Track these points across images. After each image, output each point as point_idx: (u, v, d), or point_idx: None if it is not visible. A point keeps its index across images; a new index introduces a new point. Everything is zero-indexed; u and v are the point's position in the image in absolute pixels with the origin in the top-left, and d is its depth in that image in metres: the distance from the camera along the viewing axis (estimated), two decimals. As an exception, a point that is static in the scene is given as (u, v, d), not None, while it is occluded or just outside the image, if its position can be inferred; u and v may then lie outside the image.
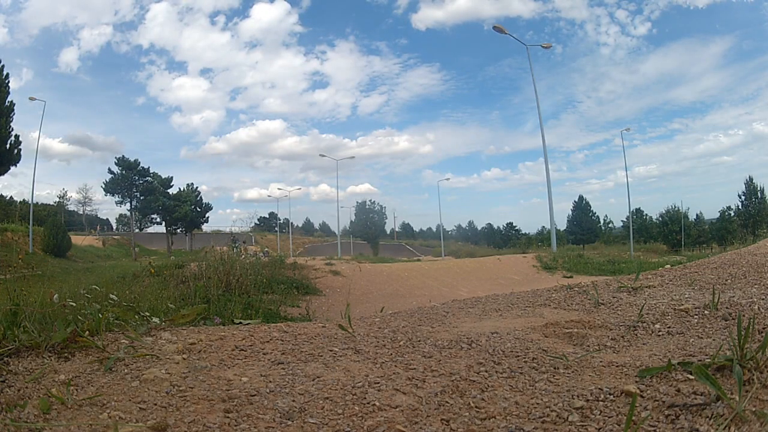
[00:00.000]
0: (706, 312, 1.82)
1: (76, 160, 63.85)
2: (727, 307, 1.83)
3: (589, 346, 1.59)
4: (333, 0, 68.23)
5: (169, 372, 1.34)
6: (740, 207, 36.57)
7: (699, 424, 0.91)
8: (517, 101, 68.65)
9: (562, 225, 41.82)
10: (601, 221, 43.36)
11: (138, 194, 34.33)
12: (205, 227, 39.41)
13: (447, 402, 1.14)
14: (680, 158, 68.09)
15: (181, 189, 37.60)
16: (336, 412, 1.11)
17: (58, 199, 48.48)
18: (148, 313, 2.01)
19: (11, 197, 36.01)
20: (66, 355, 1.48)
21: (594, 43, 60.32)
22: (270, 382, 1.29)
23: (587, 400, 1.07)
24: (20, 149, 21.68)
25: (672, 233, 37.21)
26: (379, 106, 70.72)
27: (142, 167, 34.33)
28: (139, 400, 1.15)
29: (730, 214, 37.26)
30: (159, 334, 1.77)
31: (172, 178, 36.86)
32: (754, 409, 0.92)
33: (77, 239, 30.83)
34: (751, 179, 36.37)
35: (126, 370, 1.35)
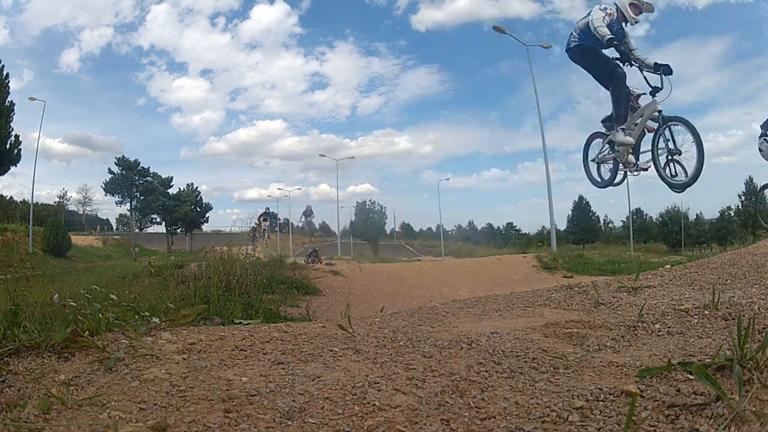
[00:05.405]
0: (706, 312, 1.82)
1: (76, 160, 63.43)
2: (727, 307, 1.83)
3: (589, 346, 1.59)
4: (332, 1, 68.03)
5: (169, 372, 1.34)
6: (740, 207, 36.55)
7: (699, 424, 0.91)
8: (516, 102, 68.20)
9: (562, 225, 41.69)
10: (601, 221, 43.34)
11: (138, 194, 34.29)
12: (205, 227, 39.29)
13: (447, 402, 1.14)
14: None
15: (181, 189, 37.53)
16: (336, 412, 1.11)
17: (58, 199, 48.32)
18: (148, 313, 2.01)
19: (11, 197, 35.94)
20: (66, 355, 1.48)
21: (593, 43, 60.02)
22: (270, 382, 1.29)
23: (587, 400, 1.08)
24: (20, 149, 21.72)
25: (672, 233, 37.14)
26: (379, 106, 70.47)
27: (142, 167, 34.31)
28: (139, 400, 1.15)
29: (730, 214, 37.26)
30: (159, 334, 1.77)
31: (172, 178, 36.83)
32: (754, 409, 0.92)
33: (77, 239, 30.77)
34: (751, 179, 36.25)
35: (126, 370, 1.35)
